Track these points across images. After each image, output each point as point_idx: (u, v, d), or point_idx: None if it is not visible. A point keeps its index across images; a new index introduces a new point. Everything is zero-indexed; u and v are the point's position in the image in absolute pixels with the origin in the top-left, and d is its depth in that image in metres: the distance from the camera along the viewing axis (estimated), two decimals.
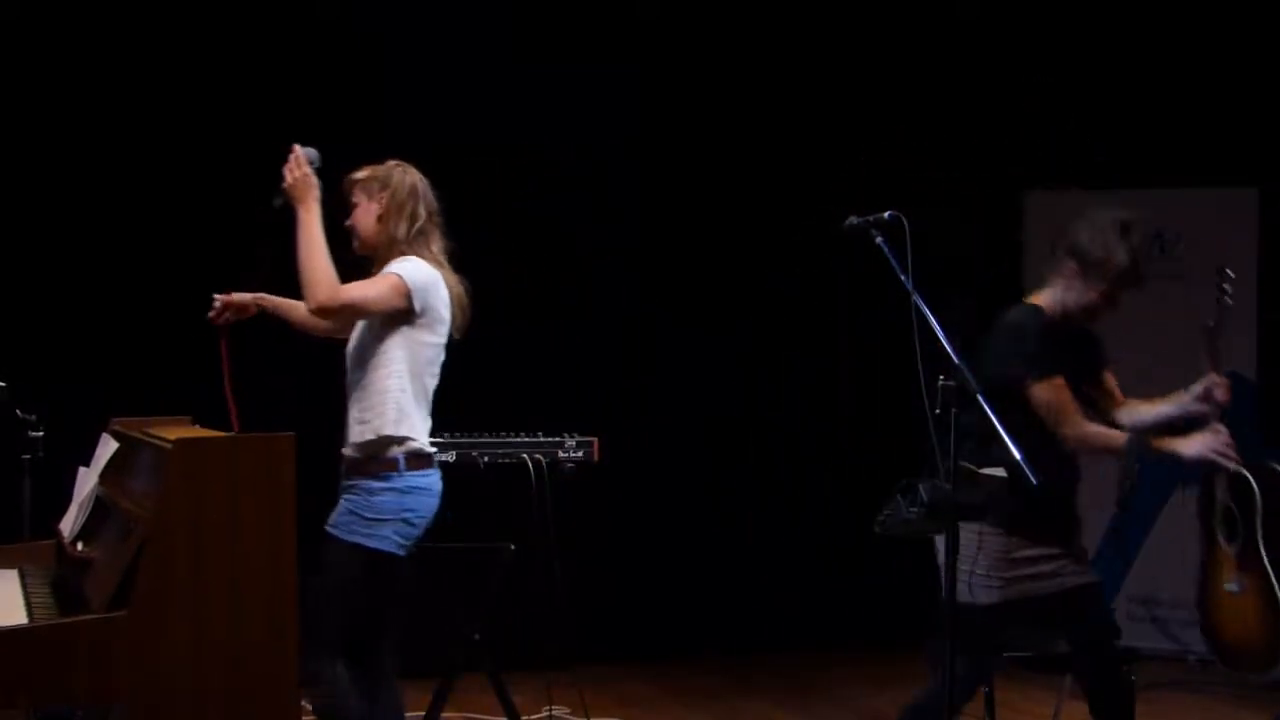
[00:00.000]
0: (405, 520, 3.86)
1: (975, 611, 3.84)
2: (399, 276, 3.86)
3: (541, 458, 4.75)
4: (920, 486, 3.49)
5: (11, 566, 4.01)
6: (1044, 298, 4.07)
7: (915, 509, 3.51)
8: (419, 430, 3.92)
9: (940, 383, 3.27)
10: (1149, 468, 6.80)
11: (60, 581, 3.80)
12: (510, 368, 6.20)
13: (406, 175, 4.02)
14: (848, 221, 3.57)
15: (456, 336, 4.01)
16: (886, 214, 3.48)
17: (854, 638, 6.82)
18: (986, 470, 3.52)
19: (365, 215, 3.99)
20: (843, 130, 6.92)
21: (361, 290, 3.84)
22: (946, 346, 3.32)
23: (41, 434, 4.02)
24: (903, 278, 3.41)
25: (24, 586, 3.77)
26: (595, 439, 4.85)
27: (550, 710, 5.35)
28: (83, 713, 3.86)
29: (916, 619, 4.73)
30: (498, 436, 4.82)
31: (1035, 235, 6.96)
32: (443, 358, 4.01)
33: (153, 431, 3.71)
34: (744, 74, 6.82)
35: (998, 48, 6.96)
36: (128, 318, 5.86)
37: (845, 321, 7.11)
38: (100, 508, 3.75)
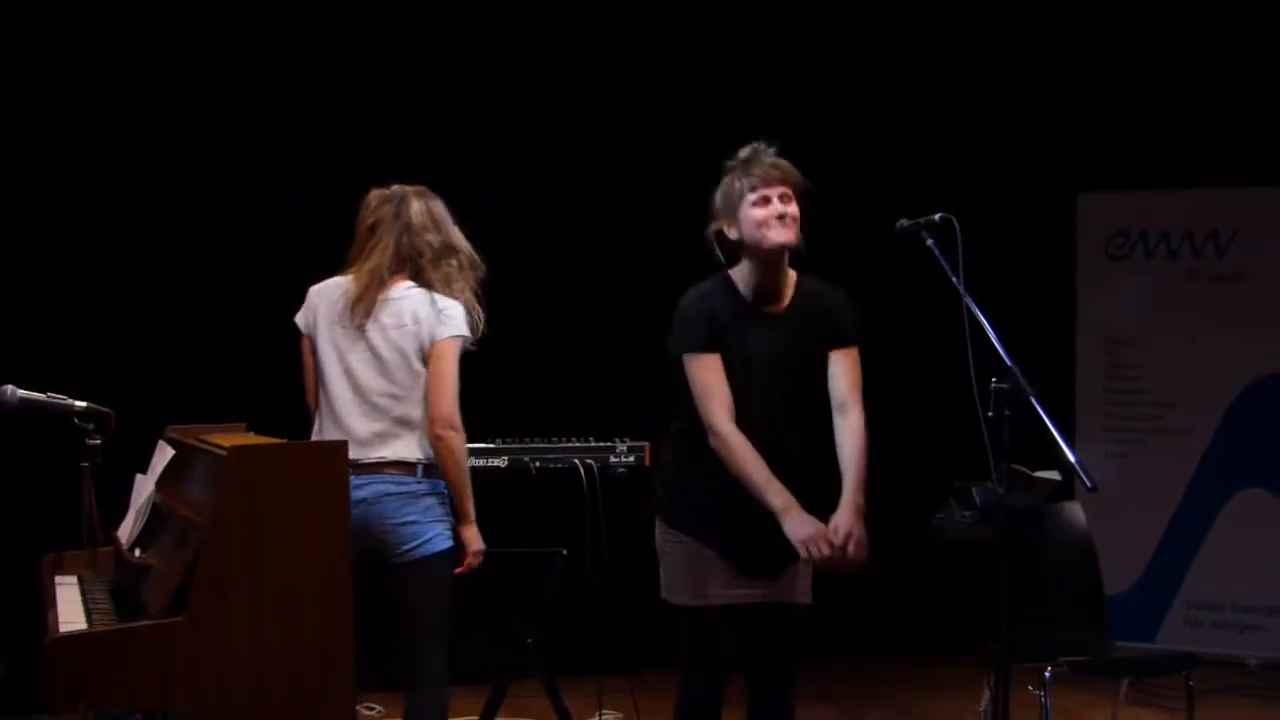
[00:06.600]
0: None
1: None
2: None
3: (593, 463, 4.76)
4: (974, 490, 3.46)
5: (71, 573, 4.06)
6: None
7: (969, 513, 3.48)
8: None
9: (993, 385, 3.24)
10: (1207, 471, 6.71)
11: (119, 587, 3.84)
12: (541, 373, 6.24)
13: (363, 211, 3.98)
14: (898, 224, 3.54)
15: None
16: (937, 216, 3.45)
17: (902, 641, 6.78)
18: (1041, 474, 3.49)
19: None
20: (857, 134, 6.79)
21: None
22: (999, 349, 3.29)
23: (99, 442, 4.05)
24: (954, 280, 3.38)
25: (83, 593, 3.82)
26: (646, 444, 4.84)
27: (602, 715, 5.35)
28: (141, 716, 3.90)
29: (966, 622, 4.69)
30: (549, 442, 4.83)
31: (1088, 237, 6.90)
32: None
33: (208, 439, 3.74)
34: (751, 76, 6.72)
35: (1045, 48, 6.89)
36: (184, 326, 5.92)
37: None
38: (157, 514, 3.79)
